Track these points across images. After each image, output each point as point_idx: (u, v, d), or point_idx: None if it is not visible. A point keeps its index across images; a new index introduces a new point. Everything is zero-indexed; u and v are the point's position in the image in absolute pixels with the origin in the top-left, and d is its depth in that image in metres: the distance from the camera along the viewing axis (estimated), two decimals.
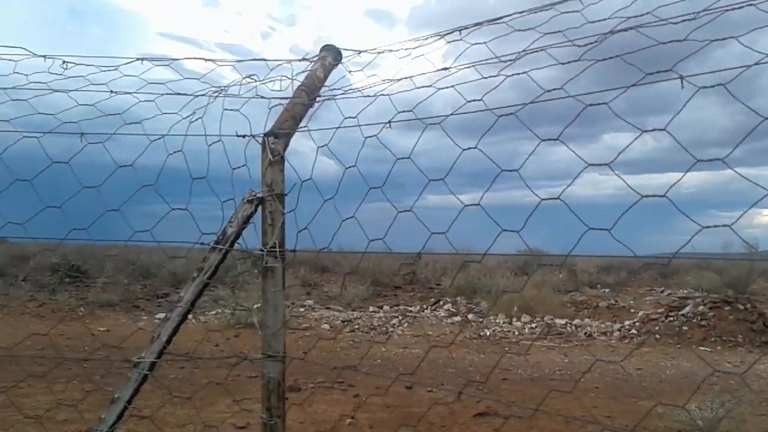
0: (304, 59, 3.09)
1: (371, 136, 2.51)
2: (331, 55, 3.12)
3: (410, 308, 18.26)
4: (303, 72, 3.02)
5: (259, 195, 2.72)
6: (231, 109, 2.77)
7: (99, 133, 2.72)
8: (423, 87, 2.49)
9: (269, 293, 2.73)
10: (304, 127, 2.78)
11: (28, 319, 13.29)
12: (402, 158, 2.42)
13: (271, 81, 2.92)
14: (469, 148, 2.25)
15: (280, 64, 3.01)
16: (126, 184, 2.72)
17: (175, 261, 20.73)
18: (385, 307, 18.02)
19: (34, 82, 2.86)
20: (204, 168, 2.91)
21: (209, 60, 2.96)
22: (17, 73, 2.86)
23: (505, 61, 2.23)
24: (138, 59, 2.90)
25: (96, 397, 8.42)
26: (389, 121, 2.46)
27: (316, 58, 3.11)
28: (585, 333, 14.84)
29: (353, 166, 2.59)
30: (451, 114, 2.29)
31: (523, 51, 2.19)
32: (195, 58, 3.04)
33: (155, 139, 2.74)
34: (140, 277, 20.31)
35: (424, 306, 18.66)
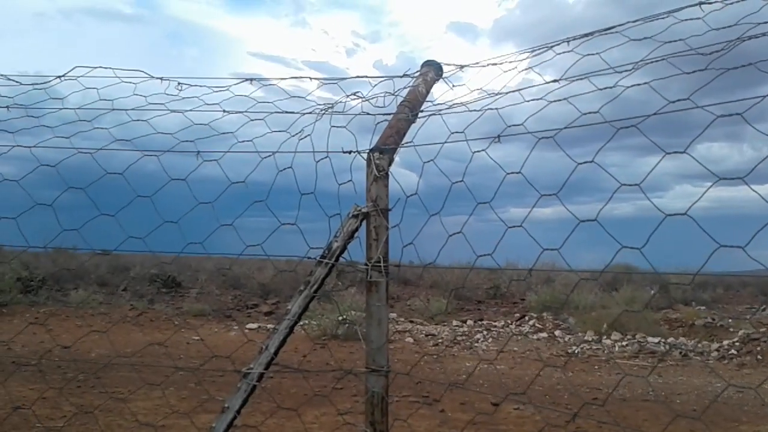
0: (405, 75, 3.13)
1: (479, 151, 2.49)
2: (433, 71, 3.13)
3: (494, 323, 17.97)
4: (405, 88, 3.05)
5: (364, 210, 2.75)
6: (338, 126, 2.83)
7: (213, 151, 2.84)
8: (533, 100, 2.45)
9: (373, 307, 2.75)
10: (410, 142, 2.80)
11: (129, 327, 13.98)
12: (513, 173, 2.38)
13: (374, 98, 2.96)
14: (585, 162, 2.19)
15: (381, 81, 3.05)
16: (237, 199, 2.82)
17: (264, 272, 21.32)
18: (469, 321, 17.83)
19: (153, 103, 3.03)
20: (300, 184, 2.97)
21: (314, 79, 3.04)
22: (137, 95, 3.04)
23: (621, 72, 2.16)
24: (247, 79, 3.02)
25: (191, 404, 8.74)
26: (498, 136, 2.44)
27: (418, 74, 3.13)
28: (680, 352, 14.13)
29: (460, 181, 2.58)
30: (566, 128, 2.24)
31: (642, 60, 2.12)
32: (300, 77, 3.13)
33: (266, 157, 2.84)
34: (231, 288, 20.99)
35: (509, 321, 18.32)
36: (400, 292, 24.22)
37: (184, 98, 3.04)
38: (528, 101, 2.50)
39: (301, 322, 15.55)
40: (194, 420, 7.86)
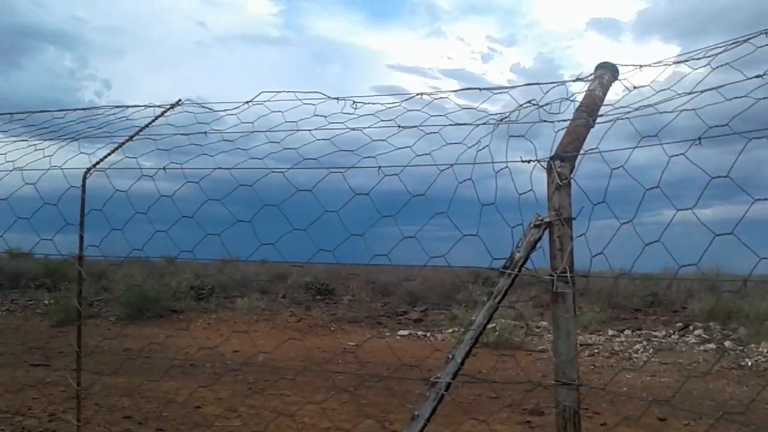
0: (578, 79, 3.05)
1: (677, 155, 2.36)
2: (609, 73, 3.03)
3: (654, 332, 16.91)
4: (580, 93, 2.98)
5: (546, 220, 2.71)
6: (517, 135, 2.82)
7: (393, 165, 2.94)
8: (736, 98, 2.28)
9: (561, 319, 2.70)
10: (595, 148, 2.73)
11: (290, 333, 14.74)
12: (718, 177, 2.23)
13: (547, 104, 2.92)
14: None
15: (553, 87, 3.00)
16: (417, 210, 2.90)
17: (410, 281, 21.61)
18: (626, 331, 16.92)
19: (333, 123, 3.21)
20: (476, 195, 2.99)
21: (484, 89, 3.06)
22: (318, 115, 3.23)
23: None
24: (418, 94, 3.11)
25: (351, 408, 9.05)
26: (699, 138, 2.30)
27: (592, 77, 3.04)
28: None
29: (655, 187, 2.47)
30: None
31: None
32: (465, 89, 3.16)
33: (444, 169, 2.89)
34: (380, 295, 21.52)
35: (671, 331, 17.16)
36: (548, 301, 23.46)
37: (359, 116, 3.18)
38: (729, 100, 2.32)
39: (450, 330, 15.55)
40: (356, 423, 8.13)
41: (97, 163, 3.31)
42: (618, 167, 2.65)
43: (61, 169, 3.22)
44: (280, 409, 8.61)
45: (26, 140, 3.53)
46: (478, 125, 2.96)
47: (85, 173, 3.25)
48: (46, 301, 18.17)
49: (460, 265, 2.97)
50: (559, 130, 2.83)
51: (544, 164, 2.73)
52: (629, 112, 2.76)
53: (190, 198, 3.35)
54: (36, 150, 3.46)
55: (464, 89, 3.04)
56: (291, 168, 3.06)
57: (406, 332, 15.77)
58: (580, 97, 3.00)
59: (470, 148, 2.88)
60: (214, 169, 3.17)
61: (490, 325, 13.93)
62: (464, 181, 2.86)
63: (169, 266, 18.19)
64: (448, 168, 2.87)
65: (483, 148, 2.86)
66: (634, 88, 2.89)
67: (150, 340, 13.35)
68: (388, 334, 15.62)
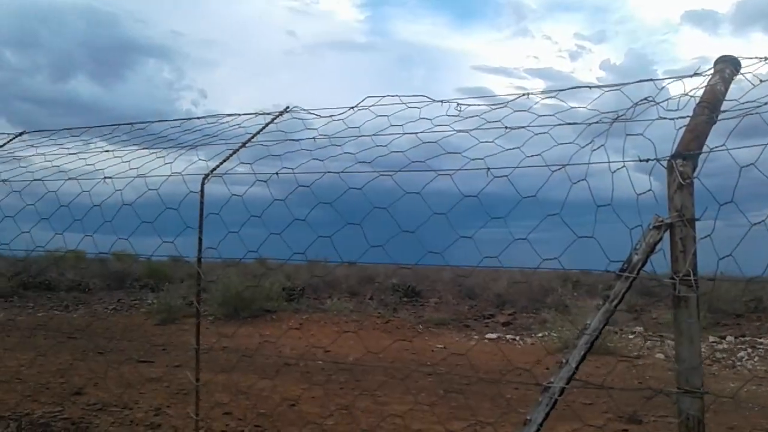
0: (696, 74, 2.92)
1: None
2: (730, 66, 2.88)
3: (759, 339, 15.93)
4: (698, 88, 2.84)
5: (667, 221, 2.61)
6: (634, 134, 2.73)
7: (505, 167, 2.92)
8: None
9: (683, 324, 2.59)
10: (722, 146, 2.60)
11: (378, 334, 14.88)
12: None
13: (665, 101, 2.81)
14: None
15: (671, 83, 2.88)
16: (531, 210, 2.86)
17: (497, 282, 21.35)
18: (728, 338, 16.02)
19: (439, 125, 3.22)
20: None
21: (594, 87, 2.98)
22: (423, 118, 3.25)
23: None
24: (524, 94, 3.06)
25: (442, 409, 9.02)
26: None
27: (712, 71, 2.90)
28: None
29: None
30: None
31: None
32: (577, 87, 3.08)
33: (556, 170, 2.83)
34: (466, 298, 21.36)
35: None
36: (643, 304, 22.63)
37: (465, 118, 3.17)
38: None
39: (540, 334, 15.22)
40: (447, 426, 8.10)
41: (215, 169, 3.47)
42: (747, 165, 2.51)
43: (182, 175, 3.41)
44: (371, 409, 8.70)
45: (147, 149, 3.77)
46: (591, 124, 2.88)
47: (204, 179, 3.41)
48: (150, 301, 19.18)
49: (573, 267, 2.89)
50: (680, 128, 2.71)
51: (664, 163, 2.62)
52: (759, 106, 2.60)
53: (297, 202, 3.45)
54: (157, 158, 3.69)
55: (575, 87, 2.98)
56: (399, 171, 3.09)
57: (494, 335, 15.58)
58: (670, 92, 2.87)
59: (583, 147, 2.80)
60: (324, 173, 3.25)
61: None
62: (578, 182, 2.79)
63: (262, 268, 18.76)
64: (559, 169, 2.81)
65: (598, 147, 2.78)
66: (761, 81, 2.73)
67: (246, 339, 13.82)
68: (476, 337, 15.48)
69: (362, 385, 10.00)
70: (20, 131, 4.37)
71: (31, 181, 3.81)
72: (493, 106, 3.13)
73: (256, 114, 3.79)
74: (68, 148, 4.17)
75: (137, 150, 3.89)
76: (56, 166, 3.88)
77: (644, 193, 2.68)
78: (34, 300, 20.44)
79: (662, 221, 2.61)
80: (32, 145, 4.26)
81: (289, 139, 3.55)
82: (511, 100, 3.13)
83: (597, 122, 2.89)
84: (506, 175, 2.88)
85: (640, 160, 2.70)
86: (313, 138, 3.47)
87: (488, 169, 2.90)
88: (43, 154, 4.09)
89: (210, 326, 16.04)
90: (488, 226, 3.04)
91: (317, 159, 3.37)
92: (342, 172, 3.24)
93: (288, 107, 3.79)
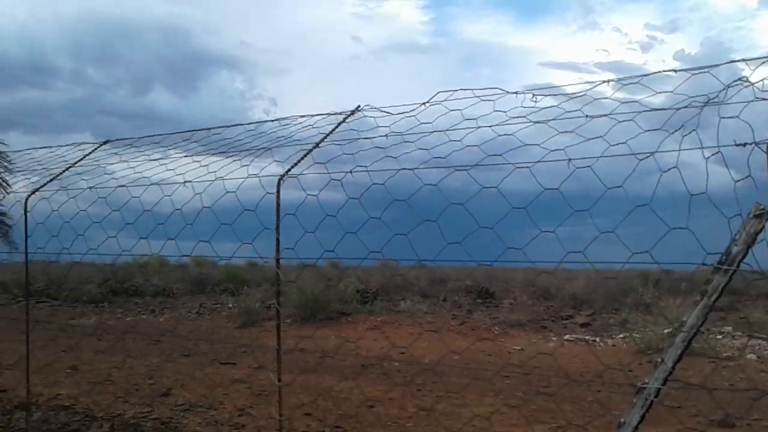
0: None
1: None
2: None
3: None
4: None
5: None
6: (728, 117, 2.56)
7: (586, 157, 2.81)
8: None
9: None
10: None
11: (454, 336, 14.77)
12: None
13: (760, 81, 2.62)
14: None
15: (757, 67, 2.69)
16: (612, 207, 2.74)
17: (573, 282, 20.78)
18: None
19: (514, 117, 3.14)
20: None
21: (674, 70, 2.82)
22: (497, 111, 3.18)
23: None
24: (604, 82, 2.94)
25: (524, 412, 8.83)
26: None
27: None
28: None
29: None
30: None
31: None
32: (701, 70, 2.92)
33: (644, 158, 2.70)
34: (542, 299, 20.92)
35: None
36: (731, 302, 21.52)
37: (541, 109, 3.08)
38: None
39: (621, 335, 14.71)
40: (529, 429, 7.92)
41: (290, 169, 3.52)
42: None
43: (258, 177, 3.47)
44: (449, 411, 8.62)
45: (223, 153, 3.86)
46: (679, 109, 2.72)
47: (279, 180, 3.46)
48: (230, 305, 19.76)
49: (669, 262, 2.74)
50: None
51: (764, 147, 2.45)
52: None
53: (371, 202, 3.44)
54: (233, 161, 3.77)
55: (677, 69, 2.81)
56: (475, 165, 3.03)
57: (572, 337, 15.16)
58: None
59: (672, 134, 2.64)
60: (398, 170, 3.23)
61: (665, 330, 12.99)
62: (669, 170, 2.63)
63: (335, 271, 19.00)
64: (647, 156, 2.67)
65: (689, 132, 2.62)
66: None
67: (323, 341, 14.00)
68: (554, 338, 15.11)
69: (440, 387, 9.93)
70: (104, 140, 4.59)
71: (116, 187, 3.99)
72: (566, 98, 3.01)
73: (328, 114, 3.82)
74: (148, 155, 4.34)
75: (214, 155, 3.99)
76: (138, 172, 4.04)
77: (742, 179, 2.50)
78: (123, 305, 21.44)
79: (764, 209, 2.44)
80: (115, 153, 4.45)
81: (361, 138, 3.56)
82: (586, 91, 3.01)
83: (686, 107, 2.72)
84: (589, 165, 2.76)
85: (737, 144, 2.52)
86: (385, 135, 3.46)
87: (569, 159, 2.80)
88: (126, 161, 4.27)
89: (288, 328, 16.35)
90: (568, 223, 2.93)
91: (390, 156, 3.35)
92: (416, 168, 3.21)
93: (359, 106, 3.80)
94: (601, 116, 2.93)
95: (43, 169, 5.04)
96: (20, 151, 5.64)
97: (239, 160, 3.84)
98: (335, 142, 3.60)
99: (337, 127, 3.67)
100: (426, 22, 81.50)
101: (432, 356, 12.41)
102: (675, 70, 2.95)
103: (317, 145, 3.64)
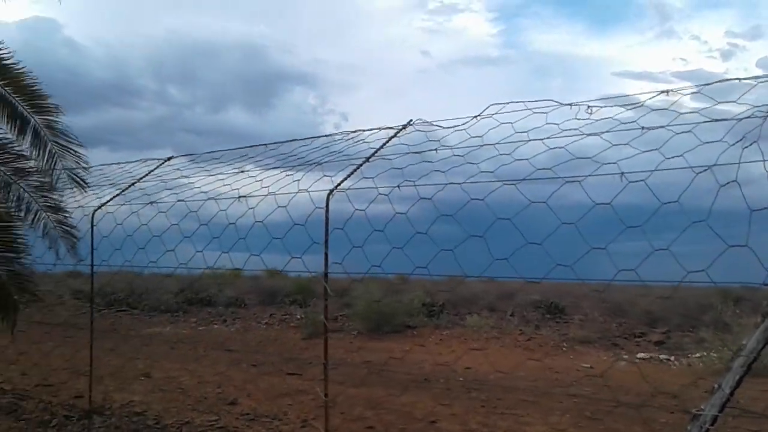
0: None
1: None
2: None
3: None
4: None
5: None
6: None
7: (640, 171, 2.71)
8: None
9: None
10: None
11: (519, 352, 14.47)
12: None
13: None
14: None
15: None
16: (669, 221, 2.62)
17: (647, 299, 19.98)
18: None
19: (566, 129, 3.07)
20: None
21: (747, 79, 2.67)
22: (550, 123, 3.11)
23: None
24: (662, 92, 2.82)
25: None
26: None
27: None
28: None
29: None
30: None
31: None
32: None
33: (701, 172, 2.58)
34: (613, 315, 20.20)
35: None
36: None
37: (596, 121, 3.00)
38: None
39: (698, 354, 14.02)
40: None
41: (339, 184, 3.55)
42: None
43: (308, 192, 3.52)
44: (513, 429, 8.43)
45: (279, 168, 3.96)
46: (741, 119, 2.57)
47: (329, 195, 3.50)
48: (298, 316, 20.07)
49: (724, 281, 2.60)
50: None
51: None
52: None
53: (421, 216, 3.43)
54: (286, 176, 3.86)
55: None
56: (522, 180, 2.97)
57: (645, 355, 14.57)
58: None
59: (732, 145, 2.50)
60: (446, 184, 3.21)
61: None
62: (727, 184, 2.49)
63: (402, 283, 19.00)
64: (705, 170, 2.53)
65: (749, 144, 2.47)
66: None
67: (387, 354, 13.99)
68: (625, 356, 14.56)
69: (503, 404, 9.74)
70: (169, 156, 4.80)
71: (176, 202, 4.16)
72: (630, 107, 2.90)
73: (380, 129, 3.84)
74: (208, 170, 4.51)
75: (270, 170, 4.10)
76: (197, 187, 4.19)
77: None
78: (197, 314, 22.14)
79: None
80: (178, 169, 4.63)
81: (412, 152, 3.55)
82: (649, 98, 2.90)
83: (749, 117, 2.58)
84: (643, 180, 2.65)
85: None
86: (435, 150, 3.45)
87: (622, 173, 2.70)
88: (187, 176, 4.44)
89: (353, 340, 16.45)
90: (625, 238, 2.82)
91: (439, 171, 3.33)
92: (464, 183, 3.18)
93: (411, 120, 3.80)
94: (657, 127, 2.82)
95: (111, 184, 5.31)
96: (91, 167, 5.97)
97: (291, 174, 3.93)
98: (384, 157, 3.61)
99: (387, 141, 3.68)
100: (495, 34, 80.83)
101: (497, 372, 12.19)
102: (739, 79, 2.81)
103: (367, 159, 3.67)
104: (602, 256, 2.85)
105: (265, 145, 4.29)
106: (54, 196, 6.08)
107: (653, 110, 2.84)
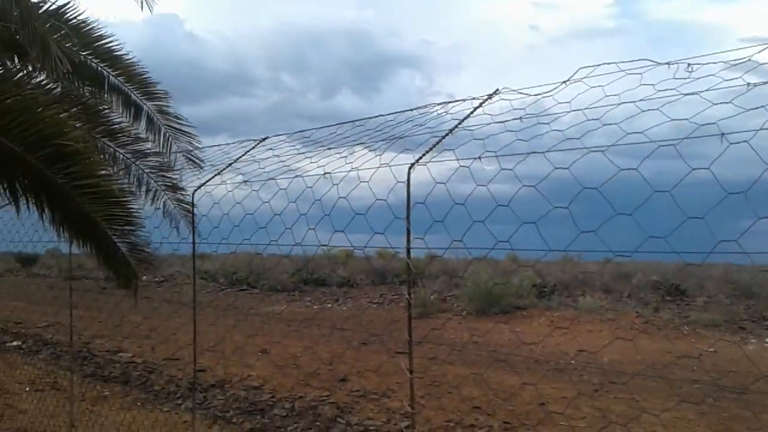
0: None
1: None
2: None
3: None
4: None
5: None
6: None
7: (742, 131, 2.45)
8: None
9: None
10: None
11: (636, 335, 13.83)
12: None
13: None
14: None
15: None
16: None
17: None
18: None
19: (661, 90, 2.85)
20: None
21: None
22: (644, 84, 2.90)
23: None
24: None
25: (710, 420, 8.05)
26: None
27: None
28: None
29: None
30: None
31: None
32: None
33: None
34: (742, 297, 18.79)
35: None
36: None
37: (695, 80, 2.76)
38: None
39: None
40: None
41: (420, 157, 3.53)
42: None
43: (389, 166, 3.52)
44: (628, 414, 8.08)
45: (363, 143, 3.98)
46: None
47: (409, 168, 3.48)
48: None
49: None
50: None
51: None
52: None
53: (512, 189, 3.30)
54: (369, 151, 3.88)
55: None
56: (612, 145, 2.78)
57: None
58: None
59: None
60: (528, 153, 3.09)
61: None
62: None
63: (512, 264, 18.66)
64: None
65: None
66: None
67: (496, 334, 13.84)
68: (753, 340, 13.53)
69: (618, 388, 9.37)
70: (263, 137, 4.98)
71: (266, 180, 4.30)
72: (750, 71, 2.61)
73: (464, 100, 3.76)
74: (297, 149, 4.63)
75: (354, 145, 4.13)
76: (287, 165, 4.31)
77: None
78: (311, 294, 22.96)
79: None
80: (270, 149, 4.78)
81: (496, 122, 3.44)
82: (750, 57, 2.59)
83: None
84: (748, 141, 2.38)
85: None
86: (520, 118, 3.31)
87: (722, 134, 2.46)
88: (278, 155, 4.57)
89: (462, 321, 16.41)
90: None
91: (521, 140, 3.20)
92: (546, 151, 3.04)
93: (497, 90, 3.68)
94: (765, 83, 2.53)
95: (210, 164, 5.58)
96: (193, 149, 6.28)
97: (374, 149, 3.93)
98: (468, 128, 3.52)
99: (472, 112, 3.59)
100: (610, 5, 76.76)
101: (612, 355, 11.73)
102: None
103: (450, 131, 3.60)
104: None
105: (352, 122, 4.33)
106: (172, 176, 6.44)
107: None
